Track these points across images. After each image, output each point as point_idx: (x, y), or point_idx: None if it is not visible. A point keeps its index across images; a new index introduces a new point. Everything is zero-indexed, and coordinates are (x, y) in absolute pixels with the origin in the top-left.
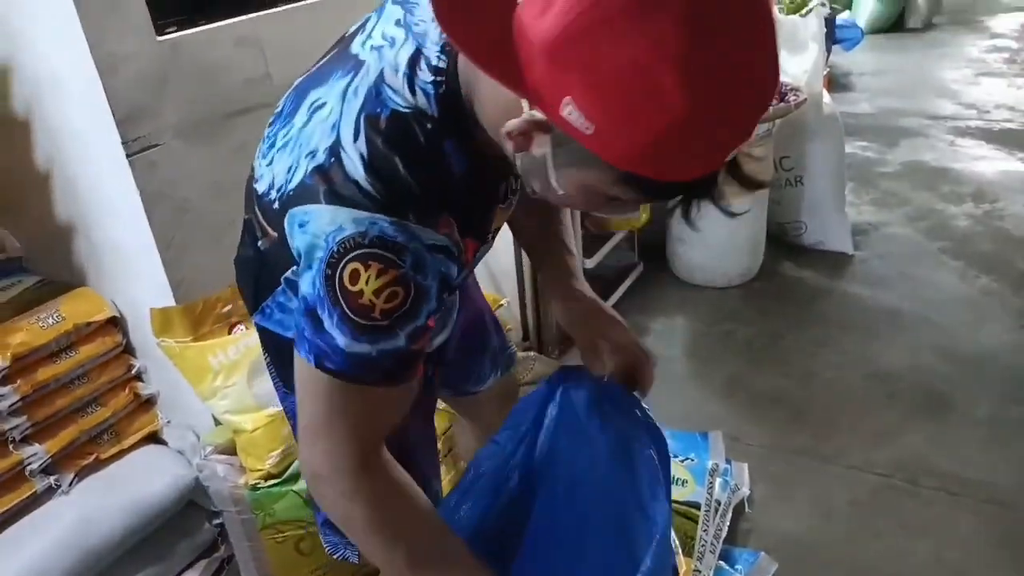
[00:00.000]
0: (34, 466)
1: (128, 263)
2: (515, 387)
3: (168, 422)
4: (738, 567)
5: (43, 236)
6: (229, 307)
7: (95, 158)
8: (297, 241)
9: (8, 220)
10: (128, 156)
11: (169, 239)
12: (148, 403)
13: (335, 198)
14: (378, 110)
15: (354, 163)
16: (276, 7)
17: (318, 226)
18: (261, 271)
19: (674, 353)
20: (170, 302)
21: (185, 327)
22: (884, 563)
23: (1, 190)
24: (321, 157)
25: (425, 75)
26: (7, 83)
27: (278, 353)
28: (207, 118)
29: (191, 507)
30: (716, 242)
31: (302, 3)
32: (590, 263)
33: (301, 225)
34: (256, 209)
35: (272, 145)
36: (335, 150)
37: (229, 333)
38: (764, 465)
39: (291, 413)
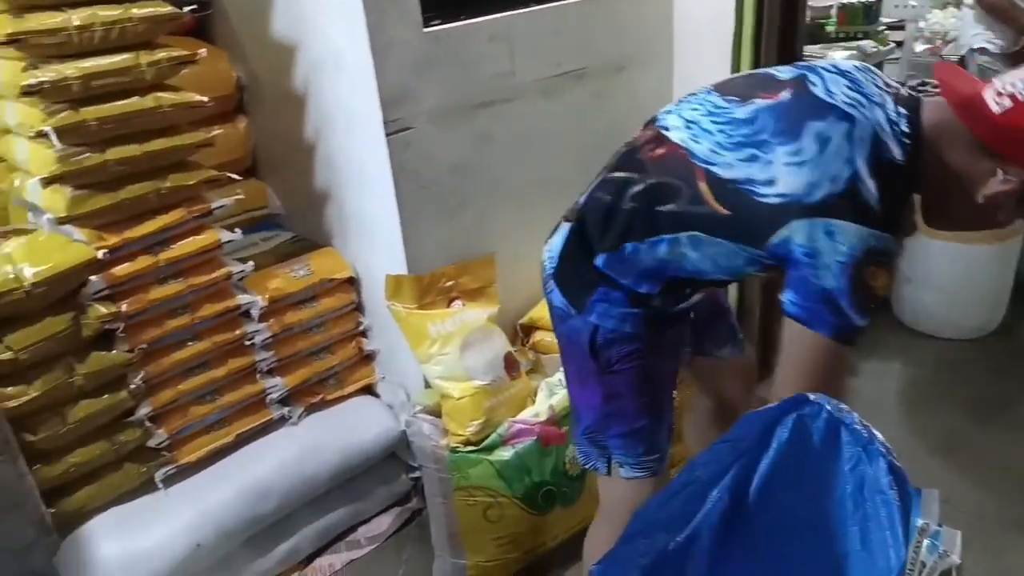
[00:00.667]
0: (273, 396)
1: (371, 231)
2: (751, 368)
3: (383, 378)
4: None
5: (301, 199)
6: (452, 283)
7: (357, 134)
8: (820, 243)
9: (274, 181)
10: (387, 135)
11: (410, 214)
12: (368, 358)
13: (860, 217)
14: (884, 156)
15: (871, 192)
16: (528, 7)
17: (847, 237)
18: (634, 219)
19: (886, 399)
20: (403, 270)
21: (413, 294)
22: None
23: (271, 155)
24: (842, 184)
25: (899, 136)
26: (292, 60)
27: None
28: (457, 106)
29: (392, 458)
30: (950, 286)
31: (550, 5)
32: None
33: (828, 233)
34: (695, 183)
35: (741, 145)
36: (854, 180)
37: (448, 306)
38: (980, 536)
39: (580, 405)
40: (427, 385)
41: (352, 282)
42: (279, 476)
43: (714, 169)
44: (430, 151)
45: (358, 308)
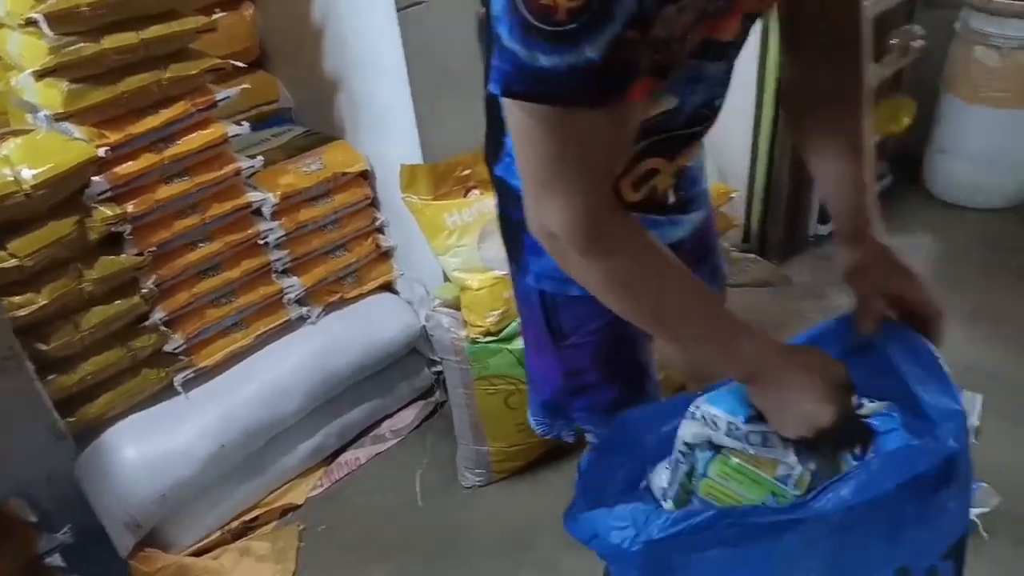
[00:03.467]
0: (291, 296)
1: (384, 120)
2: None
3: (402, 274)
4: None
5: (311, 90)
6: (468, 171)
7: (367, 12)
8: None
9: (282, 72)
10: (398, 10)
11: (424, 98)
12: (386, 255)
13: None
14: None
15: None
16: None
17: None
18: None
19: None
20: (418, 160)
21: (428, 185)
22: None
23: (280, 44)
24: None
25: None
26: None
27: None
28: None
29: (414, 354)
30: (986, 156)
31: None
32: None
33: None
34: None
35: None
36: None
37: (465, 196)
38: (1001, 400)
39: (536, 375)
40: (445, 279)
41: (366, 176)
42: (300, 375)
43: None
44: (444, 28)
45: (373, 203)
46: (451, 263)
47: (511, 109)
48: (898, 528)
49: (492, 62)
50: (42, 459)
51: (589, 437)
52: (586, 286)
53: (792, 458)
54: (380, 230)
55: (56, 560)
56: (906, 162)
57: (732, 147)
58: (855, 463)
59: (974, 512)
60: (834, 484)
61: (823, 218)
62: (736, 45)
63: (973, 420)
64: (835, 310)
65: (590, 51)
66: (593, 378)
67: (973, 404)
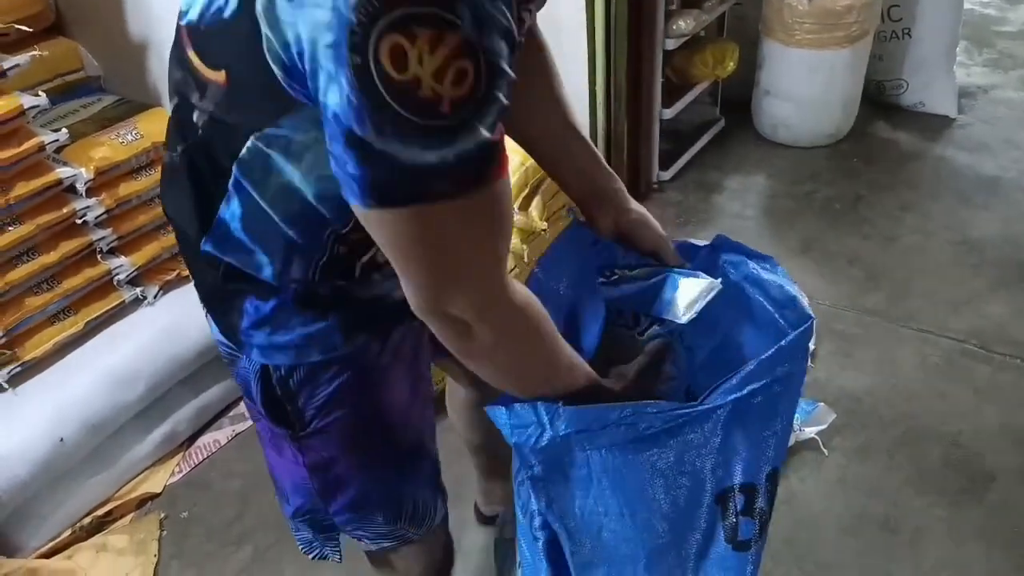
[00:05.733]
0: (121, 277)
1: None
2: None
3: None
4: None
5: (118, 55)
6: None
7: None
8: (289, 32)
9: (86, 40)
10: None
11: None
12: None
13: None
14: None
15: None
16: None
17: None
18: (204, 160)
19: (749, 212)
20: None
21: None
22: (946, 422)
23: (78, 8)
24: None
25: None
26: None
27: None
28: None
29: None
30: (807, 97)
31: None
32: (668, 113)
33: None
34: (188, 54)
35: None
36: None
37: None
38: (832, 323)
39: (281, 478)
40: None
41: None
42: (142, 360)
43: (184, 22)
44: None
45: None
46: None
47: (378, 219)
48: (768, 422)
49: (348, 169)
50: None
51: (364, 545)
52: (489, 368)
53: None
54: None
55: None
56: (736, 105)
57: (570, 98)
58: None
59: (814, 430)
60: (720, 384)
61: (664, 164)
62: None
63: (810, 345)
64: None
65: (484, 131)
66: (345, 468)
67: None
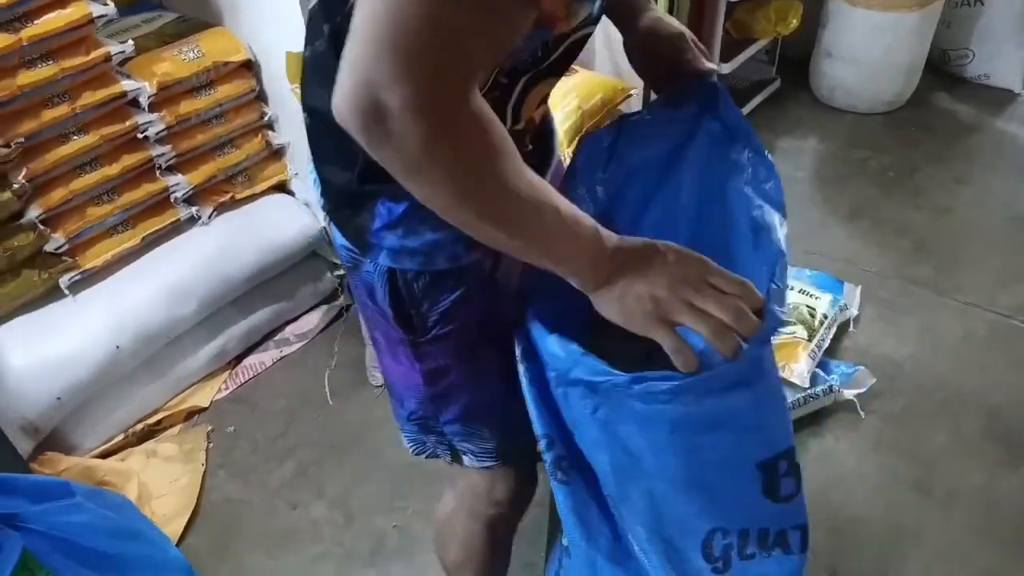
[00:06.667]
0: (178, 194)
1: (265, 3)
2: None
3: (296, 174)
4: (833, 376)
5: None
6: None
7: None
8: None
9: None
10: None
11: None
12: (278, 153)
13: None
14: None
15: None
16: None
17: None
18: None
19: (800, 174)
20: None
21: None
22: (987, 394)
23: None
24: None
25: None
26: None
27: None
28: None
29: (315, 257)
30: (869, 61)
31: None
32: (726, 68)
33: None
34: None
35: None
36: None
37: None
38: (877, 290)
39: (396, 382)
40: None
41: (250, 66)
42: (196, 276)
43: None
44: None
45: (260, 97)
46: None
47: None
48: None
49: None
50: None
51: (468, 460)
52: (413, 182)
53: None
54: (270, 126)
55: None
56: (793, 65)
57: None
58: None
59: (852, 393)
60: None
61: None
62: None
63: (853, 311)
64: None
65: None
66: (457, 377)
67: (853, 296)
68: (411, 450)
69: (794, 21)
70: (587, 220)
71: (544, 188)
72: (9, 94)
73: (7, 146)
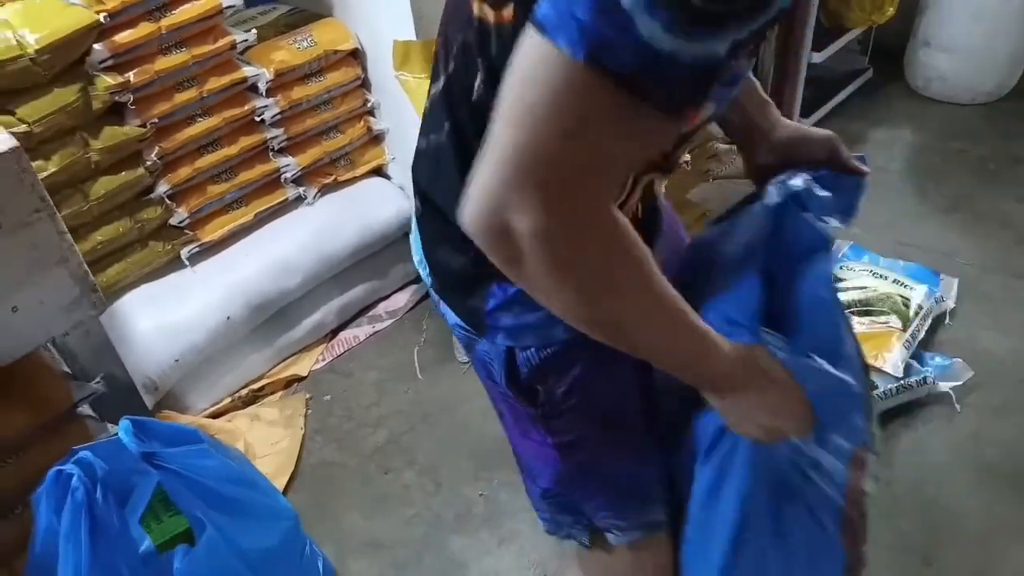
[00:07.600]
0: (288, 175)
1: None
2: None
3: (393, 159)
4: (928, 368)
5: None
6: None
7: None
8: None
9: None
10: None
11: None
12: (377, 138)
13: None
14: None
15: None
16: None
17: None
18: (475, 132)
19: (893, 165)
20: (411, 35)
21: (422, 63)
22: None
23: None
24: None
25: None
26: None
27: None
28: None
29: (407, 238)
30: (968, 49)
31: None
32: (818, 57)
33: None
34: (473, 4)
35: None
36: None
37: None
38: (976, 284)
39: (529, 458)
40: None
41: (356, 55)
42: (301, 253)
43: None
44: None
45: (364, 84)
46: None
47: (550, 52)
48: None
49: (574, 12)
50: (74, 308)
51: (613, 538)
52: (544, 299)
53: None
54: (371, 112)
55: (87, 410)
56: (886, 55)
57: None
58: None
59: (948, 385)
60: None
61: (804, 111)
62: None
63: (949, 303)
64: None
65: (718, 47)
66: (592, 448)
67: (951, 288)
68: (544, 529)
69: (890, 9)
70: (716, 338)
71: (677, 304)
72: (148, 78)
73: (143, 126)
